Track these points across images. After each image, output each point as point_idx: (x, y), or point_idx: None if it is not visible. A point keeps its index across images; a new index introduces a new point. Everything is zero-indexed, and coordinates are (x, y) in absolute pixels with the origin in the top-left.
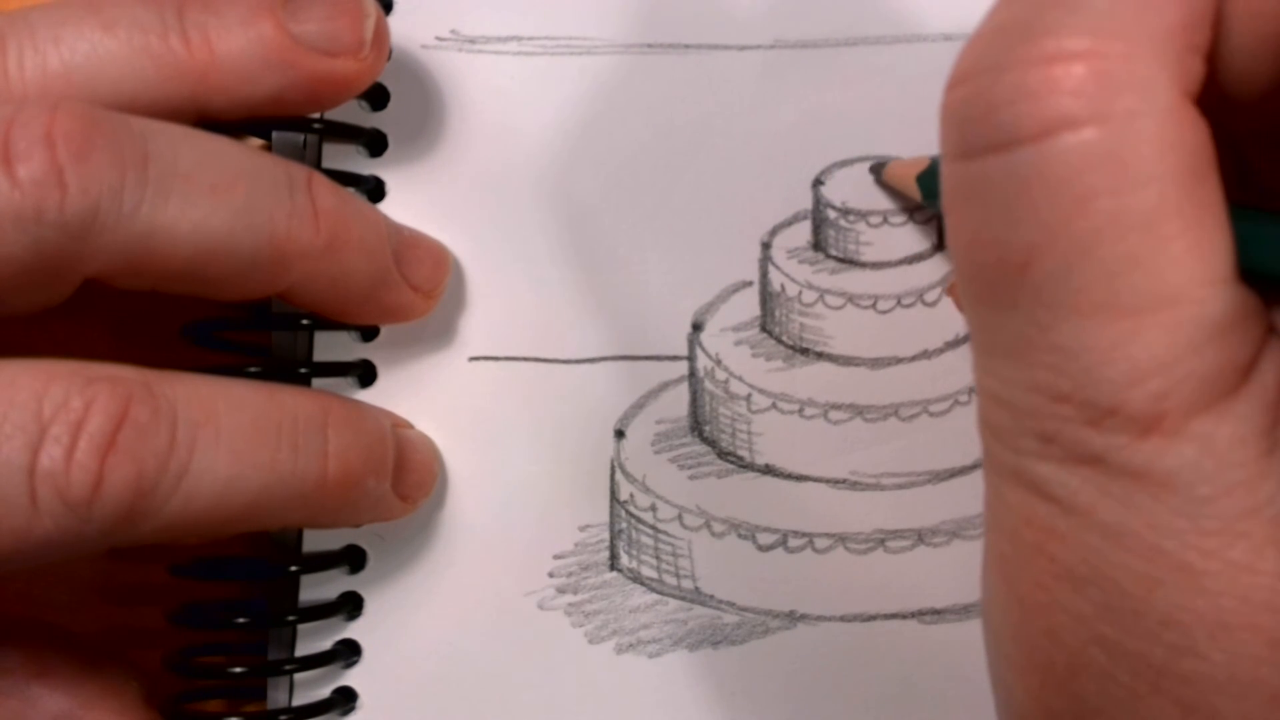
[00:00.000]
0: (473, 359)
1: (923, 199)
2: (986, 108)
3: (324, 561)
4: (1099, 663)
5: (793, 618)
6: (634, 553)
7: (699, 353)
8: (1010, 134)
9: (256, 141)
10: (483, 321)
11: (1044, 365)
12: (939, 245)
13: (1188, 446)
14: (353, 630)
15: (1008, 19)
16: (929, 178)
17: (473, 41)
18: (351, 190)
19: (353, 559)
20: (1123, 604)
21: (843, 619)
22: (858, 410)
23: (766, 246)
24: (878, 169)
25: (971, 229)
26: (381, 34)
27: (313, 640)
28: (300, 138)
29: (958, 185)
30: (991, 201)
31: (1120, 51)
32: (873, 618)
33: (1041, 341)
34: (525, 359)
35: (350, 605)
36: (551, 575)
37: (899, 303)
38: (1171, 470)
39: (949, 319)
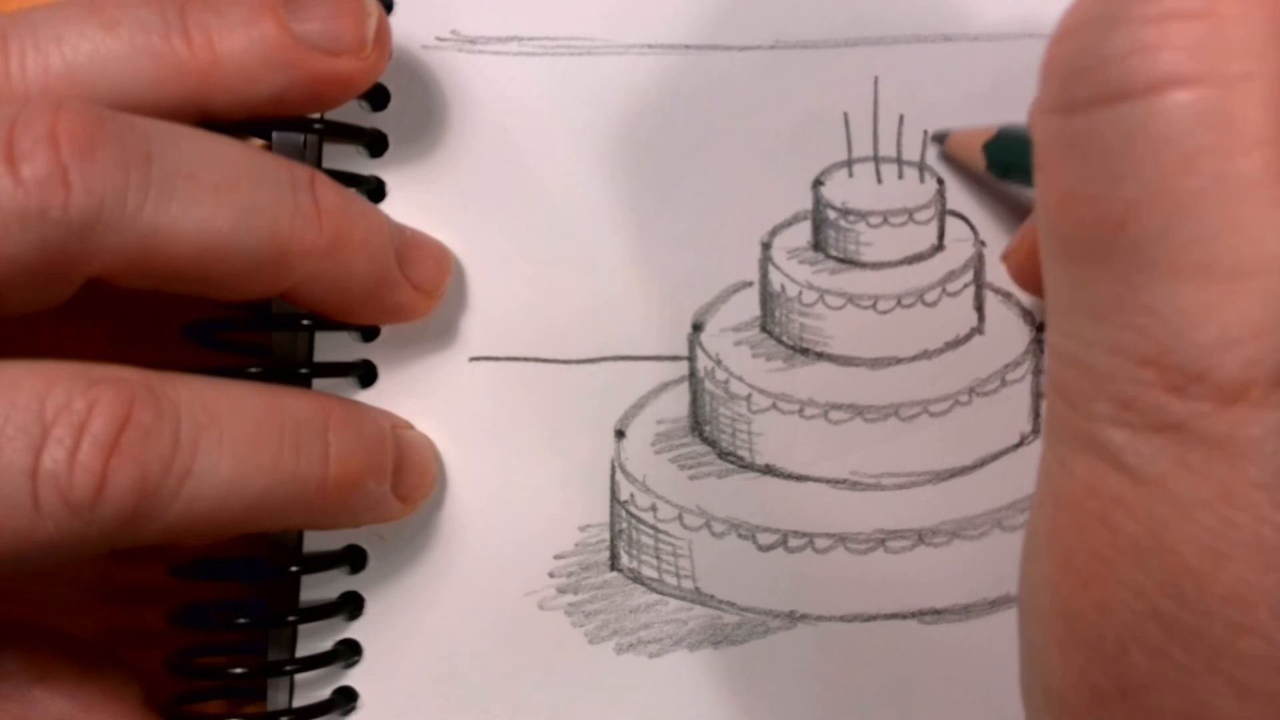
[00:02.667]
0: (473, 359)
1: (987, 168)
2: (1097, 60)
3: (324, 561)
4: (1153, 638)
5: (793, 618)
6: (634, 553)
7: (699, 353)
8: (1119, 87)
9: (257, 142)
10: (483, 321)
11: (1131, 327)
12: (939, 245)
13: (1272, 416)
14: (353, 630)
15: None
16: (997, 147)
17: (473, 41)
18: (353, 191)
19: (353, 559)
20: (1185, 579)
21: (843, 619)
22: (858, 410)
23: (766, 246)
24: (940, 137)
25: (1067, 184)
26: (383, 33)
27: (313, 640)
28: (300, 138)
29: (1057, 139)
30: (1093, 156)
31: (1235, 13)
32: (873, 618)
33: (1131, 302)
34: (525, 359)
35: (351, 605)
36: (552, 575)
37: (899, 303)
38: (1253, 440)
39: (949, 319)
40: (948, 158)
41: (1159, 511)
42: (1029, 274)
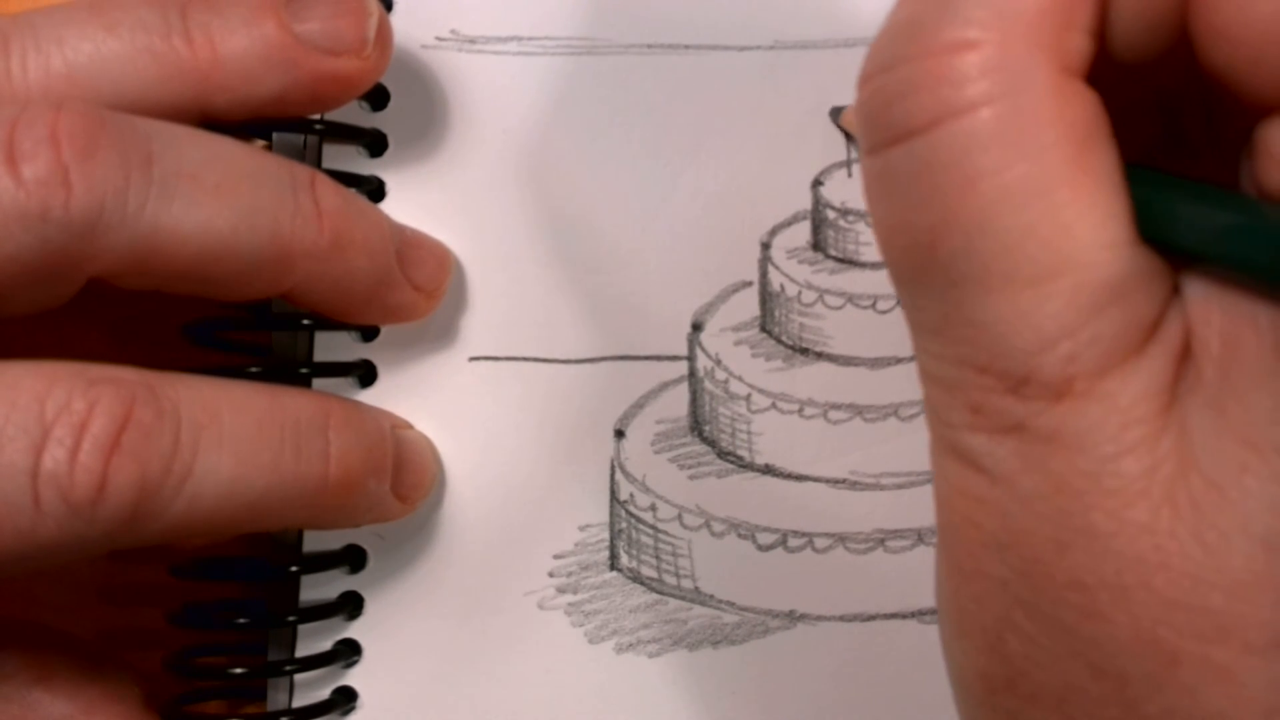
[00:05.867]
0: (473, 359)
1: None
2: (884, 103)
3: (324, 561)
4: (1023, 627)
5: (793, 617)
6: (634, 552)
7: (699, 353)
8: (905, 126)
9: (258, 143)
10: (483, 321)
11: (963, 339)
12: None
13: (1094, 406)
14: (353, 630)
15: (901, 19)
16: None
17: (473, 41)
18: (353, 191)
19: (353, 559)
20: (1036, 569)
21: (842, 619)
22: (857, 410)
23: (766, 246)
24: (835, 112)
25: (886, 216)
26: (384, 33)
27: (313, 640)
28: (300, 139)
29: (871, 178)
30: (897, 190)
31: (995, 40)
32: (873, 617)
33: (957, 317)
34: (525, 359)
35: (350, 605)
36: (551, 575)
37: (898, 302)
38: (1079, 431)
39: None
40: (842, 130)
41: (1010, 508)
42: None
